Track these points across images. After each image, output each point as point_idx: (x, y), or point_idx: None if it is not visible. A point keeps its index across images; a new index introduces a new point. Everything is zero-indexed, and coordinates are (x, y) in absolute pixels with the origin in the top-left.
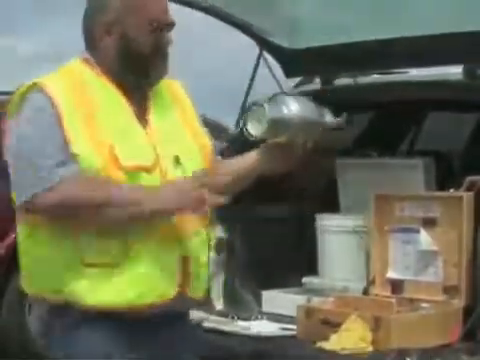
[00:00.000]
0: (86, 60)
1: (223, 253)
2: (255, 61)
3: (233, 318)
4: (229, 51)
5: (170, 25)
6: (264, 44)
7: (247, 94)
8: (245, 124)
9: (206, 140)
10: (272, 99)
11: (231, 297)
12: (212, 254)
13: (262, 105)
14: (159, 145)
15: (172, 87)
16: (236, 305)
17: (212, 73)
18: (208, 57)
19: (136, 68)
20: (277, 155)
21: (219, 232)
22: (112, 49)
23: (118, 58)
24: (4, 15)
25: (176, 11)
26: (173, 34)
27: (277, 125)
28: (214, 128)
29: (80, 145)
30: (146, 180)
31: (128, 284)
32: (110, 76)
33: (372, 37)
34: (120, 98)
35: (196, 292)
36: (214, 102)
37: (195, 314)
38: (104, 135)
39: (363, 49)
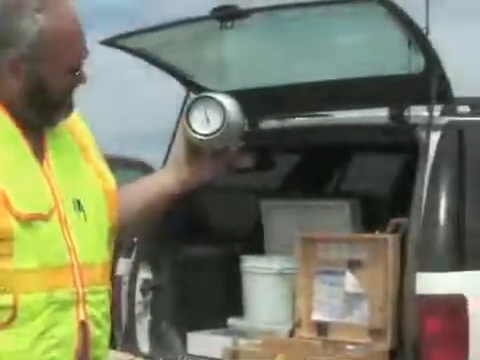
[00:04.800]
0: None
1: (149, 294)
2: (182, 103)
3: None
4: (154, 93)
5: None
6: (190, 86)
7: (173, 137)
8: (189, 121)
9: (110, 179)
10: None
11: (157, 339)
12: (139, 296)
13: (218, 100)
14: (58, 187)
15: (71, 120)
16: (162, 347)
17: (136, 114)
18: (133, 98)
19: (43, 110)
20: (208, 164)
21: (145, 273)
22: (16, 88)
23: (24, 98)
24: None
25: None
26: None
27: (233, 127)
28: (134, 164)
29: None
30: (44, 230)
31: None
32: (5, 109)
33: (298, 80)
34: (14, 129)
35: None
36: (137, 144)
37: (119, 356)
38: None
39: (289, 92)
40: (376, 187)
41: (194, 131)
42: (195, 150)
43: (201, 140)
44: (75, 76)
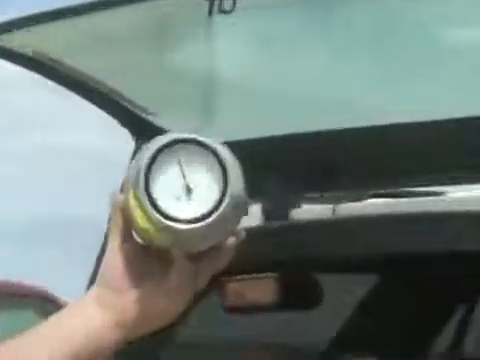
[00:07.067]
0: None
1: None
2: (129, 161)
3: None
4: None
5: None
6: (141, 128)
7: (107, 236)
8: (150, 193)
9: None
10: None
11: None
12: None
13: (207, 145)
14: None
15: None
16: None
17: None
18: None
19: None
20: (177, 282)
21: None
22: None
23: None
24: None
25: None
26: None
27: (236, 202)
28: (26, 296)
29: None
30: None
31: None
32: None
33: (362, 123)
34: None
35: None
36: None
37: None
38: None
39: (343, 146)
40: None
41: (164, 215)
42: (150, 256)
43: (180, 232)
44: None
